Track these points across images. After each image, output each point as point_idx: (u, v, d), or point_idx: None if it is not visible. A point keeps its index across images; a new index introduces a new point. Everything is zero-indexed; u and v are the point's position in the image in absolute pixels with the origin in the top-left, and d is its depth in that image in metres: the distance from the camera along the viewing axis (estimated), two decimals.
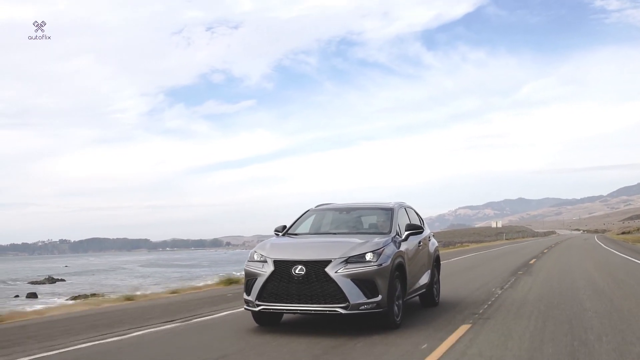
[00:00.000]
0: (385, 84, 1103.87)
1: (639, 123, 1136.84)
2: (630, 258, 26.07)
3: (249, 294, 7.76)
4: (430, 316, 9.27)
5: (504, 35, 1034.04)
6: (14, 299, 43.72)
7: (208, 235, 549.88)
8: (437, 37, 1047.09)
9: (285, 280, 7.42)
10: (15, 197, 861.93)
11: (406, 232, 8.86)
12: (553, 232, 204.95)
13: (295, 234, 9.02)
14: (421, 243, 9.68)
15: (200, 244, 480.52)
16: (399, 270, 8.03)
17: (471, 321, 8.65)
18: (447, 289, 12.65)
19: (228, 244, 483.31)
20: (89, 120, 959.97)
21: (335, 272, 7.27)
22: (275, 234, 9.07)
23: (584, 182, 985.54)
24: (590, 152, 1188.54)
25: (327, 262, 7.34)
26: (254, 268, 7.79)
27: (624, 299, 11.05)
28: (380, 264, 7.49)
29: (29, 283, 59.74)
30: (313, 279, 7.31)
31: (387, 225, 8.80)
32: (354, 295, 7.23)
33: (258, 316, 8.12)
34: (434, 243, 10.79)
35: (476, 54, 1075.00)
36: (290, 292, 7.39)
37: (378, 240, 7.98)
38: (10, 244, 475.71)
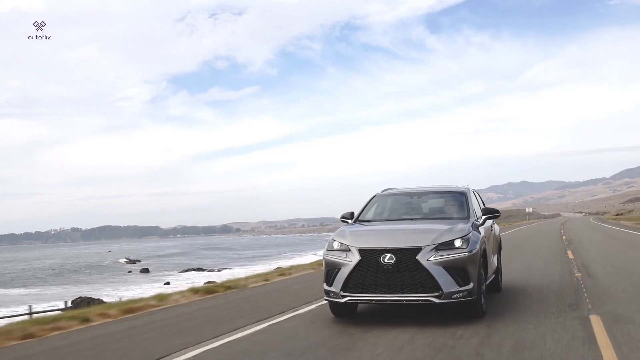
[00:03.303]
0: (389, 68, 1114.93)
1: None
2: (598, 223, 62.28)
3: (330, 284, 7.38)
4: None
5: (509, 18, 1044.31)
6: (129, 274, 52.63)
7: (214, 221, 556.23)
8: (440, 20, 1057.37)
9: (373, 270, 7.07)
10: (24, 187, 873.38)
11: (484, 217, 8.64)
12: (559, 215, 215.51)
13: (368, 221, 8.62)
14: (492, 227, 9.50)
15: (209, 230, 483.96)
16: (483, 257, 7.72)
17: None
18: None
19: (238, 229, 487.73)
20: (94, 108, 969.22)
21: (427, 260, 6.94)
22: (343, 221, 8.66)
23: (587, 165, 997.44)
24: (593, 135, 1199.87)
25: (417, 250, 6.99)
26: (336, 257, 7.39)
27: (587, 225, 52.48)
28: (471, 251, 7.17)
29: (124, 262, 69.37)
30: (403, 268, 6.96)
31: (463, 210, 8.47)
32: (447, 283, 6.91)
33: (337, 307, 7.76)
34: (496, 227, 10.39)
35: (480, 37, 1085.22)
36: (379, 282, 7.04)
37: (462, 226, 7.61)
38: (25, 233, 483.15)
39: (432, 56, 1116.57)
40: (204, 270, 53.64)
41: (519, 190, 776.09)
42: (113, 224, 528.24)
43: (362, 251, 7.17)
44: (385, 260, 6.97)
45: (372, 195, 9.26)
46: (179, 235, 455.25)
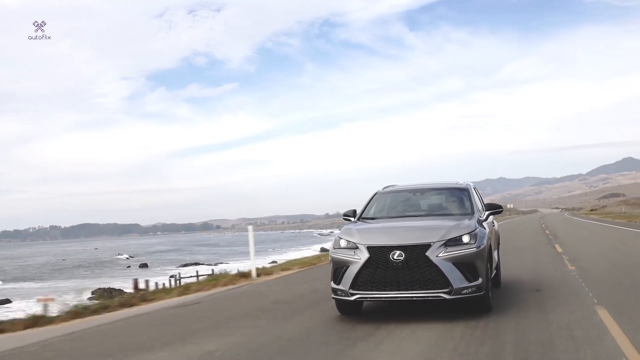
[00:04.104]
0: (368, 65, 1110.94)
1: (618, 102, 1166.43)
2: (569, 216, 79.33)
3: (338, 282, 7.37)
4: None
5: (487, 14, 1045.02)
6: (128, 269, 54.21)
7: (194, 219, 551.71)
8: (419, 17, 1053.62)
9: (382, 267, 7.06)
10: (0, 184, 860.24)
11: (487, 212, 8.70)
12: (536, 210, 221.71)
13: (372, 218, 8.60)
14: (493, 223, 9.58)
15: (189, 227, 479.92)
16: (488, 252, 7.75)
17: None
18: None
19: (218, 226, 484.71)
20: (70, 104, 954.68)
21: (437, 256, 6.95)
22: (346, 219, 8.64)
23: (564, 161, 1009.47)
24: (570, 131, 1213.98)
25: (427, 246, 7.00)
26: (344, 255, 7.37)
27: (561, 219, 63.10)
28: (479, 246, 7.22)
29: (125, 258, 71.28)
30: (413, 265, 6.96)
31: (467, 206, 8.55)
32: (457, 279, 6.94)
33: (345, 305, 7.75)
34: (495, 223, 10.38)
35: (459, 34, 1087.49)
36: (388, 279, 7.03)
37: (469, 222, 7.63)
38: (3, 231, 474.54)
39: (411, 53, 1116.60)
40: (201, 264, 55.52)
41: (497, 186, 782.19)
42: (92, 222, 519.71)
43: (370, 248, 7.18)
44: (395, 257, 7.00)
45: (373, 193, 9.24)
46: (159, 233, 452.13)
